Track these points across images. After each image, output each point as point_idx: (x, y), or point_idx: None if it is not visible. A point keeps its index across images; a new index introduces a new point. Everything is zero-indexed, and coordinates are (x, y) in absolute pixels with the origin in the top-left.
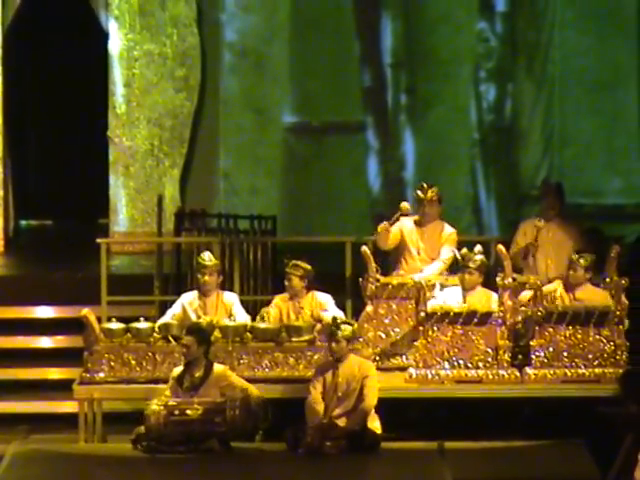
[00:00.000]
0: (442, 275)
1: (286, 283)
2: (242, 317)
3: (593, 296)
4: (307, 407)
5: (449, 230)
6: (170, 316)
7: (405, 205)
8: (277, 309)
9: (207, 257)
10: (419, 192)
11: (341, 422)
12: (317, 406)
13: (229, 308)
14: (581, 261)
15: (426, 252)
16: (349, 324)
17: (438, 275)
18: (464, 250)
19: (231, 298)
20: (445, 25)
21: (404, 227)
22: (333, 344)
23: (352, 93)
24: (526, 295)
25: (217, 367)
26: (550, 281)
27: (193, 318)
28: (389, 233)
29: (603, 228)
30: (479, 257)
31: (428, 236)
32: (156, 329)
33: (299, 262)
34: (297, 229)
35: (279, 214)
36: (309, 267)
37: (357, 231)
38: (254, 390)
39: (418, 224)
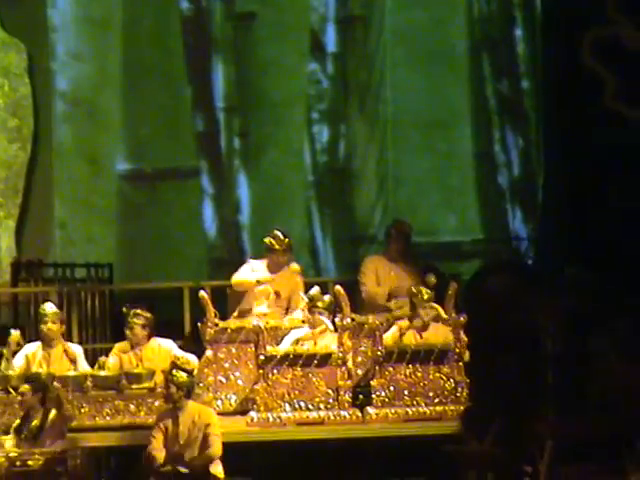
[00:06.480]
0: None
1: (128, 332)
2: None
3: (436, 332)
4: (147, 456)
5: (294, 266)
6: (14, 368)
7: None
8: (117, 357)
9: (48, 306)
10: (274, 242)
11: (184, 469)
12: (157, 454)
13: (74, 359)
14: (425, 296)
15: (284, 294)
16: (187, 371)
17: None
18: (314, 291)
19: (76, 350)
20: (276, 68)
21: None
22: (171, 389)
23: (185, 138)
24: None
25: (53, 413)
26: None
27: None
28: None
29: (439, 266)
30: (327, 297)
31: (285, 280)
32: None
33: (140, 311)
34: (134, 276)
35: (115, 262)
36: (150, 315)
37: (195, 276)
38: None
39: (272, 270)
